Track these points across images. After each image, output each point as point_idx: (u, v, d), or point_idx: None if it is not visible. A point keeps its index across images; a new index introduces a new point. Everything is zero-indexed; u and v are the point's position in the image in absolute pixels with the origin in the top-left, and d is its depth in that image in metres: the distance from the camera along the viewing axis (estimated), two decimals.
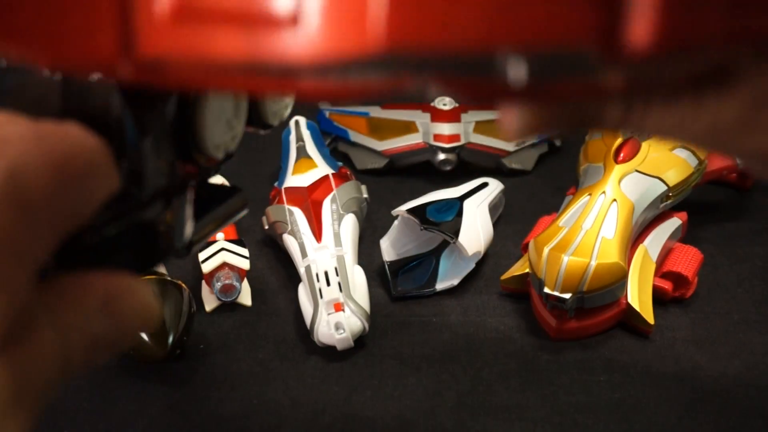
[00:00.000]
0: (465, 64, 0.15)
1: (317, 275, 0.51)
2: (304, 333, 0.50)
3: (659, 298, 0.52)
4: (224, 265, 0.52)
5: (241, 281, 0.53)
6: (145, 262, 0.24)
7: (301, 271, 0.52)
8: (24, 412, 0.18)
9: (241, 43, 0.16)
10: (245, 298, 0.54)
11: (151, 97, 0.21)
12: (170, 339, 0.47)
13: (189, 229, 0.25)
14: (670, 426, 0.44)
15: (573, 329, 0.49)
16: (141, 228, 0.23)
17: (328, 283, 0.50)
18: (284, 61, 0.16)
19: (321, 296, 0.49)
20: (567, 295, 0.47)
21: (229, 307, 0.53)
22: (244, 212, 0.29)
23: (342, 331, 0.48)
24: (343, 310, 0.49)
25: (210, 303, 0.54)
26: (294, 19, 0.15)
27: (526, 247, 0.56)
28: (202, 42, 0.16)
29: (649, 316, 0.49)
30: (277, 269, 0.57)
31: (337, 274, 0.50)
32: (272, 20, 0.16)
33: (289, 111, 0.29)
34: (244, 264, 0.53)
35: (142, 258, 0.24)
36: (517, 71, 0.15)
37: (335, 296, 0.49)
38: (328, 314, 0.49)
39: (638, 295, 0.50)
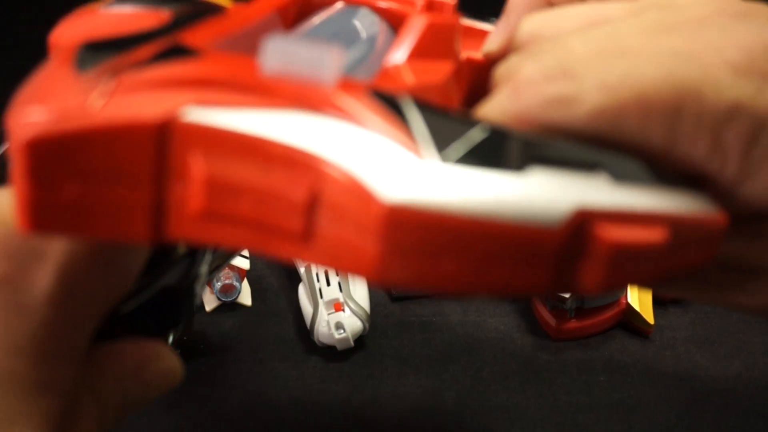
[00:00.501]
0: (446, 296, 0.19)
1: (317, 275, 0.51)
2: (304, 333, 0.50)
3: (659, 298, 0.52)
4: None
5: (241, 281, 0.53)
6: (169, 323, 0.26)
7: (301, 271, 0.52)
8: None
9: (255, 241, 0.19)
10: (245, 298, 0.54)
11: None
12: (170, 339, 0.47)
13: (204, 284, 0.27)
14: (670, 426, 0.44)
15: (573, 329, 0.49)
16: (166, 291, 0.24)
17: (328, 283, 0.50)
18: (290, 261, 0.19)
19: (321, 296, 0.49)
20: (567, 295, 0.47)
21: (229, 307, 0.53)
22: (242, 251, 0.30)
23: (342, 331, 0.48)
24: (343, 310, 0.49)
25: (210, 303, 0.54)
26: (304, 238, 0.19)
27: None
28: (221, 236, 0.19)
29: (649, 316, 0.49)
30: (277, 269, 0.57)
31: (337, 274, 0.50)
32: (285, 234, 0.19)
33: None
34: (244, 264, 0.53)
35: (168, 320, 0.26)
36: (483, 298, 0.20)
37: (335, 296, 0.49)
38: (328, 314, 0.49)
39: (638, 295, 0.50)
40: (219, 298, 0.53)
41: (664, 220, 0.20)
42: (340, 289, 0.50)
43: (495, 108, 0.22)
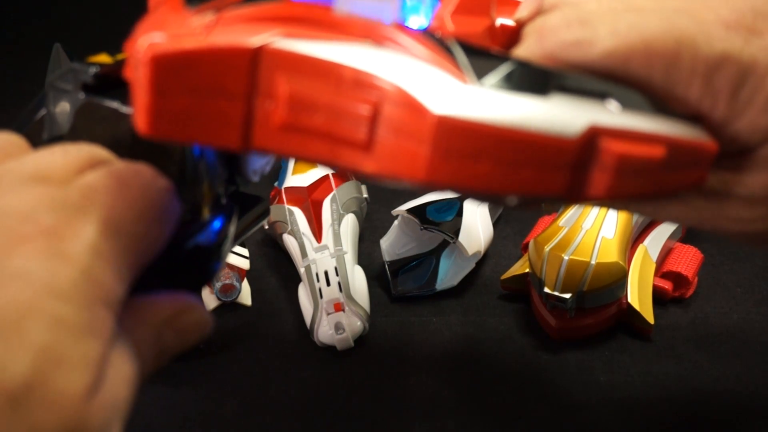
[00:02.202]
0: (479, 196, 0.25)
1: (317, 275, 0.51)
2: (304, 333, 0.50)
3: (659, 298, 0.52)
4: (224, 264, 0.52)
5: (241, 281, 0.53)
6: (199, 281, 0.28)
7: (301, 271, 0.52)
8: (117, 427, 0.22)
9: (325, 151, 0.24)
10: (245, 298, 0.54)
11: None
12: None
13: (231, 246, 0.29)
14: (670, 426, 0.44)
15: (573, 329, 0.49)
16: (197, 250, 0.27)
17: (328, 283, 0.50)
18: (355, 168, 0.24)
19: (321, 296, 0.49)
20: (567, 295, 0.47)
21: (229, 307, 0.53)
22: (266, 219, 0.33)
23: (342, 331, 0.48)
24: (343, 310, 0.49)
25: (210, 303, 0.54)
26: (367, 148, 0.23)
27: (526, 247, 0.56)
28: (297, 146, 0.24)
29: (649, 316, 0.49)
30: (277, 269, 0.57)
31: (337, 274, 0.51)
32: (352, 144, 0.23)
33: (269, 165, 0.33)
34: (244, 264, 0.53)
35: (198, 277, 0.27)
36: (512, 200, 0.25)
37: (335, 296, 0.49)
38: (328, 314, 0.49)
39: (638, 295, 0.50)
40: (219, 298, 0.53)
41: (662, 141, 0.25)
42: (340, 289, 0.50)
43: (524, 50, 0.27)
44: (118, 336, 0.22)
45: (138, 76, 0.23)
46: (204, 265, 0.28)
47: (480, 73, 0.23)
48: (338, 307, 0.49)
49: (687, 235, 0.57)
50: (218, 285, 0.52)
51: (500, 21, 0.32)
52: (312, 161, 0.26)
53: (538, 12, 0.30)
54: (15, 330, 0.18)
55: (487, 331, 0.51)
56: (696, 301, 0.53)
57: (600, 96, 0.25)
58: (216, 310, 0.54)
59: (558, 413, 0.45)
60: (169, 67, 0.23)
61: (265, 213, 0.33)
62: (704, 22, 0.26)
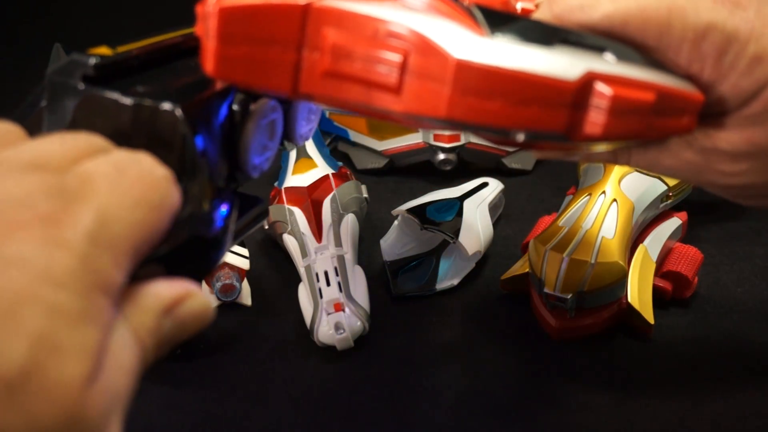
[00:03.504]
0: (492, 131, 0.28)
1: (317, 275, 0.51)
2: (304, 333, 0.50)
3: (659, 298, 0.52)
4: (224, 265, 0.52)
5: (241, 281, 0.53)
6: (200, 271, 0.28)
7: (301, 271, 0.52)
8: (117, 417, 0.22)
9: (361, 95, 0.28)
10: (245, 298, 0.54)
11: (208, 124, 0.28)
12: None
13: (231, 238, 0.30)
14: (671, 426, 0.44)
15: (573, 329, 0.49)
16: (197, 241, 0.27)
17: (328, 283, 0.50)
18: (386, 109, 0.28)
19: (321, 296, 0.49)
20: (567, 295, 0.47)
21: (229, 307, 0.53)
22: (265, 220, 0.34)
23: (342, 331, 0.48)
24: (343, 310, 0.49)
25: (210, 302, 0.54)
26: (397, 90, 0.27)
27: (526, 247, 0.56)
28: (338, 91, 0.28)
29: (649, 316, 0.49)
30: (277, 269, 0.57)
31: (337, 274, 0.50)
32: (384, 87, 0.28)
33: (312, 132, 0.37)
34: (244, 264, 0.53)
35: (198, 267, 0.28)
36: (519, 136, 0.28)
37: (335, 296, 0.49)
38: (328, 314, 0.49)
39: (638, 295, 0.50)
40: (219, 298, 0.53)
41: (653, 88, 0.29)
42: (340, 289, 0.50)
43: (537, 15, 0.32)
44: (116, 324, 0.21)
45: (207, 27, 0.27)
46: (205, 255, 0.28)
47: (494, 28, 0.27)
48: (338, 307, 0.49)
49: (687, 235, 0.57)
50: (218, 285, 0.52)
51: (521, 5, 0.36)
52: (349, 107, 0.29)
53: None
54: (11, 317, 0.18)
55: (487, 331, 0.51)
56: (696, 301, 0.53)
57: (599, 49, 0.29)
58: (216, 310, 0.54)
59: (558, 413, 0.45)
60: (233, 19, 0.27)
61: (264, 213, 0.33)
62: None
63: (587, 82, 0.27)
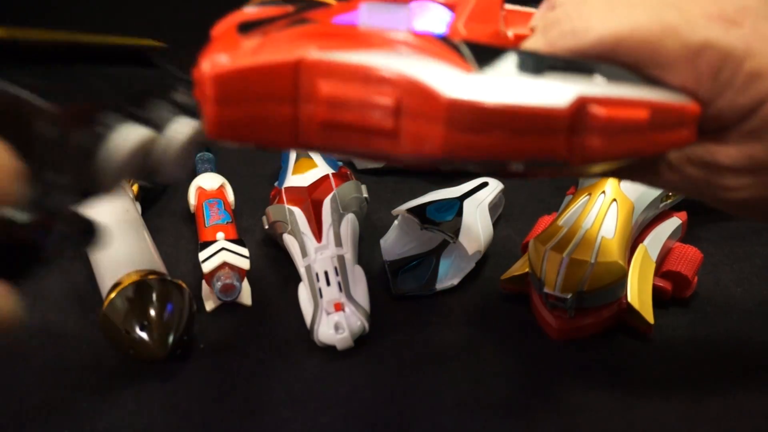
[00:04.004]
0: (490, 165, 0.29)
1: (317, 275, 0.51)
2: (304, 333, 0.50)
3: (659, 298, 0.52)
4: (224, 264, 0.52)
5: (241, 281, 0.53)
6: (15, 276, 0.27)
7: (301, 271, 0.52)
8: None
9: (360, 142, 0.28)
10: (245, 298, 0.54)
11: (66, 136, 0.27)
12: (170, 339, 0.47)
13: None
14: (670, 426, 0.44)
15: (573, 329, 0.49)
16: (21, 245, 0.27)
17: (328, 283, 0.50)
18: (385, 152, 0.28)
19: (321, 296, 0.49)
20: (567, 295, 0.47)
21: (229, 307, 0.53)
22: (90, 244, 0.32)
23: (342, 331, 0.48)
24: (343, 310, 0.49)
25: (210, 303, 0.54)
26: (394, 134, 0.28)
27: (526, 247, 0.56)
28: (337, 140, 0.29)
29: (649, 316, 0.49)
30: (277, 269, 0.57)
31: (337, 274, 0.50)
32: (381, 132, 0.28)
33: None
34: (244, 264, 0.53)
35: (13, 271, 0.27)
36: (518, 167, 0.28)
37: (335, 296, 0.49)
38: (328, 314, 0.49)
39: (638, 295, 0.50)
40: (219, 298, 0.53)
41: (645, 104, 0.29)
42: (340, 289, 0.50)
43: (530, 42, 0.32)
44: None
45: (203, 92, 0.28)
46: (23, 262, 0.28)
47: (482, 63, 0.27)
48: (338, 307, 0.49)
49: (687, 235, 0.57)
50: (218, 285, 0.52)
51: (512, 32, 0.36)
52: (350, 153, 0.30)
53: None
54: None
55: (487, 331, 0.51)
56: (696, 301, 0.53)
57: (588, 72, 0.29)
58: (216, 309, 0.54)
59: (558, 413, 0.45)
60: (228, 82, 0.28)
61: (88, 239, 0.31)
62: (688, 13, 0.30)
63: (580, 106, 0.27)
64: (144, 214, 0.62)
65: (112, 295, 0.47)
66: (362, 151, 0.29)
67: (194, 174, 0.65)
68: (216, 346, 0.50)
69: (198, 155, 0.67)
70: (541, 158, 0.28)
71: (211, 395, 0.47)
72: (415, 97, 0.27)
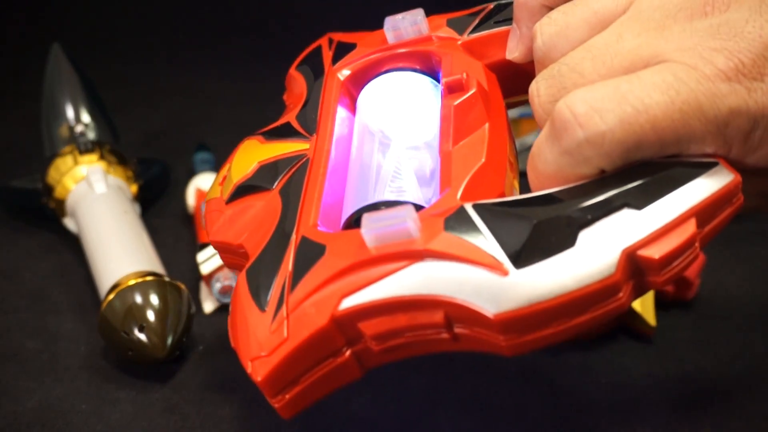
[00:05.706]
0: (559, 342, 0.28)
1: None
2: None
3: (661, 300, 0.52)
4: (224, 266, 0.52)
5: None
6: None
7: None
8: None
9: (424, 349, 0.29)
10: None
11: None
12: (169, 340, 0.47)
13: None
14: (672, 428, 0.44)
15: None
16: None
17: None
18: (453, 350, 0.29)
19: None
20: None
21: (228, 308, 0.53)
22: None
23: None
24: None
25: (209, 304, 0.54)
26: (454, 340, 0.29)
27: None
28: (401, 354, 0.30)
29: (650, 318, 0.49)
30: None
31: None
32: (441, 342, 0.29)
33: None
34: None
35: None
36: (588, 335, 0.30)
37: None
38: None
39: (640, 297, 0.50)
40: (218, 299, 0.52)
41: (689, 214, 0.27)
42: None
43: (543, 151, 0.29)
44: None
45: (262, 390, 0.30)
46: None
47: (513, 256, 0.26)
48: None
49: None
50: (218, 286, 0.52)
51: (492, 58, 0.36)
52: (418, 355, 0.30)
53: (529, 55, 0.34)
54: None
55: None
56: (698, 303, 0.53)
57: (615, 209, 0.27)
58: (215, 311, 0.53)
59: (558, 414, 0.45)
60: (278, 377, 0.29)
61: None
62: (704, 80, 0.27)
63: (628, 262, 0.26)
64: (143, 215, 0.62)
65: (111, 296, 0.47)
66: (429, 353, 0.29)
67: (193, 174, 0.65)
68: (215, 347, 0.50)
69: (197, 156, 0.67)
70: (608, 316, 0.27)
71: (210, 396, 0.47)
72: (462, 312, 0.27)
